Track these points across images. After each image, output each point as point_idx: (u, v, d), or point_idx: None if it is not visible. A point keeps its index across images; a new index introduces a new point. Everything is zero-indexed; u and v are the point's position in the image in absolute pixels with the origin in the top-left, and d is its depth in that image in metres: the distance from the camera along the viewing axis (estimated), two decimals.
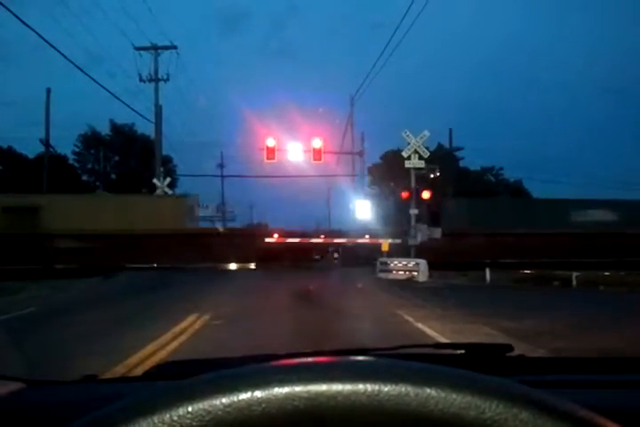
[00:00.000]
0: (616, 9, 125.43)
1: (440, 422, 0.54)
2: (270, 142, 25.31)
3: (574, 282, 17.05)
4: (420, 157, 22.48)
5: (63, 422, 1.15)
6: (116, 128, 49.63)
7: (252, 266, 27.86)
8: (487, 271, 19.20)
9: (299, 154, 27.20)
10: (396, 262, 21.47)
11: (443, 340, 7.61)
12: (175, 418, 0.54)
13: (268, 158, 25.38)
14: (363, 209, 31.03)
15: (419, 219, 23.75)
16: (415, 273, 20.40)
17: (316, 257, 32.60)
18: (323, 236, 28.80)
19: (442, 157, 36.70)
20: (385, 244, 24.59)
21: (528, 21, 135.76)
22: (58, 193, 30.91)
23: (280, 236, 27.78)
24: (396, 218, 27.02)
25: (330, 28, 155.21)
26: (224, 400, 0.55)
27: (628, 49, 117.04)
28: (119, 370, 5.69)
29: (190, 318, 9.47)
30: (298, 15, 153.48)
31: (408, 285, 18.36)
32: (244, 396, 0.55)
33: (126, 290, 16.54)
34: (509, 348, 1.64)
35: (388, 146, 47.52)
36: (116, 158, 49.51)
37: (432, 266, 20.71)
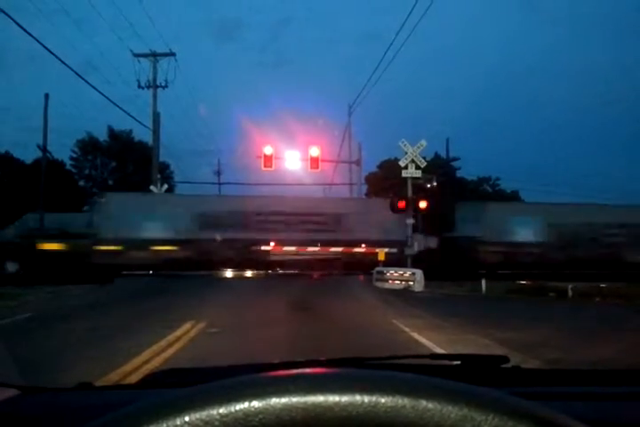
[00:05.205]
0: (611, 23, 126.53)
1: None
2: (268, 150, 25.33)
3: (570, 293, 17.04)
4: (417, 167, 22.52)
5: None
6: (113, 134, 49.68)
7: (249, 274, 27.84)
8: (483, 282, 19.19)
9: (296, 162, 27.23)
10: (392, 272, 21.46)
11: (438, 350, 7.60)
12: None
13: (265, 166, 25.37)
14: None
15: (415, 228, 23.78)
16: (411, 283, 20.38)
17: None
18: (319, 244, 28.72)
19: (439, 166, 36.78)
20: (381, 253, 24.57)
21: (526, 34, 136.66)
22: None
23: (277, 244, 27.74)
24: (393, 227, 26.90)
25: (328, 38, 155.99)
26: (221, 410, 0.55)
27: (624, 61, 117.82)
28: (114, 377, 5.66)
29: (185, 326, 9.44)
30: (296, 25, 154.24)
31: (404, 294, 18.33)
32: (242, 406, 0.55)
33: (121, 297, 16.47)
34: (505, 359, 1.64)
35: (385, 155, 47.73)
36: (114, 164, 49.49)
37: (428, 276, 20.68)
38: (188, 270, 25.21)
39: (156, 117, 32.53)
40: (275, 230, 26.25)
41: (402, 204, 22.61)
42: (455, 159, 41.86)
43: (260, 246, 26.35)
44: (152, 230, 25.34)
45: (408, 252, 22.80)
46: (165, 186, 31.54)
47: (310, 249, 27.34)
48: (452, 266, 23.74)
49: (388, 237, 25.62)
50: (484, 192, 52.65)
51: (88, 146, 48.76)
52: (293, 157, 27.09)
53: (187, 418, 0.54)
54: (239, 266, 26.84)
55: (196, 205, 26.54)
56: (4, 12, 15.97)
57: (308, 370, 0.65)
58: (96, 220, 25.52)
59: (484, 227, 27.17)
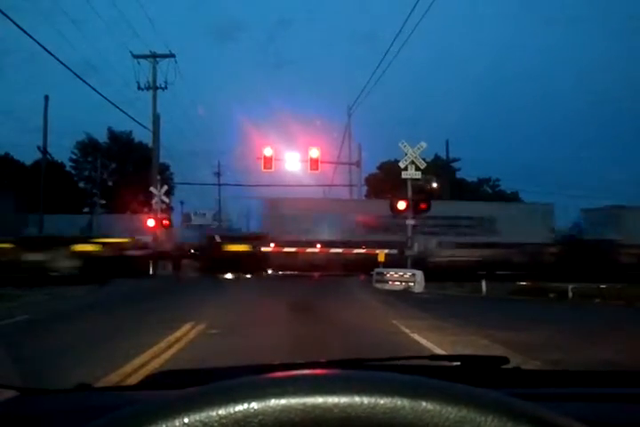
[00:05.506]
0: (609, 22, 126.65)
1: None
2: (268, 152, 25.36)
3: (570, 294, 17.03)
4: (417, 168, 22.48)
5: None
6: (113, 136, 49.74)
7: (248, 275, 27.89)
8: (483, 283, 19.18)
9: (296, 163, 27.30)
10: (392, 273, 21.45)
11: (439, 351, 7.59)
12: None
13: (265, 168, 25.40)
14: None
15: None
16: (411, 284, 20.38)
17: None
18: (320, 245, 28.76)
19: (439, 168, 36.80)
20: (381, 254, 24.59)
21: (525, 35, 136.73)
22: None
23: (277, 245, 27.82)
24: (393, 228, 27.09)
25: (328, 39, 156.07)
26: (220, 412, 0.55)
27: (622, 61, 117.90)
28: (113, 379, 5.66)
29: (185, 327, 9.43)
30: (296, 26, 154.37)
31: (404, 295, 18.32)
32: (241, 408, 0.55)
33: (121, 298, 16.46)
34: (505, 360, 1.64)
35: (385, 156, 47.76)
36: (113, 166, 49.53)
37: (428, 277, 20.68)
38: (354, 271, 26.02)
39: (156, 119, 32.55)
40: (431, 233, 27.66)
41: (402, 205, 22.58)
42: (455, 160, 41.94)
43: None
44: (319, 233, 26.84)
45: (408, 253, 22.79)
46: (165, 187, 31.52)
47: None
48: (589, 267, 24.35)
49: (530, 239, 27.45)
50: (484, 193, 52.68)
51: (88, 147, 48.83)
52: (293, 159, 27.16)
53: (186, 420, 0.54)
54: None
55: (358, 209, 28.59)
56: (4, 14, 16.00)
57: (307, 371, 0.65)
58: (267, 223, 27.37)
59: (624, 231, 28.53)
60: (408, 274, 20.92)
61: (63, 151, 49.52)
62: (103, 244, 24.17)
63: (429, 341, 8.60)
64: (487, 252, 27.61)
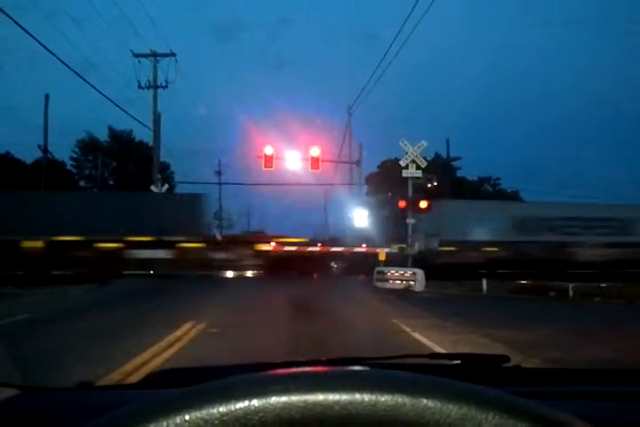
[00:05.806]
0: (607, 24, 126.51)
1: None
2: (268, 151, 25.29)
3: (571, 293, 17.02)
4: (418, 167, 22.47)
5: None
6: (114, 134, 49.68)
7: (249, 274, 27.86)
8: (484, 282, 19.17)
9: (297, 162, 27.19)
10: (392, 272, 21.43)
11: (439, 350, 7.59)
12: None
13: (265, 166, 25.33)
14: (360, 218, 31.15)
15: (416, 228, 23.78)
16: (412, 282, 20.35)
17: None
18: (320, 244, 28.74)
19: (439, 166, 36.74)
20: (382, 253, 24.57)
21: (524, 36, 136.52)
22: None
23: (277, 244, 27.80)
24: (394, 227, 27.10)
25: (329, 39, 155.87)
26: (221, 409, 0.55)
27: (620, 62, 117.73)
28: (114, 377, 5.66)
29: (186, 327, 9.44)
30: (297, 25, 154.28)
31: (405, 294, 18.31)
32: (241, 405, 0.55)
33: (121, 298, 16.47)
34: (505, 358, 1.64)
35: (386, 155, 47.70)
36: (114, 164, 49.49)
37: (428, 275, 20.66)
38: (503, 270, 26.79)
39: (157, 118, 32.48)
40: (574, 234, 28.90)
41: (402, 203, 22.58)
42: (456, 159, 41.86)
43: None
44: (478, 233, 27.55)
45: (408, 251, 22.78)
46: (166, 186, 31.49)
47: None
48: None
49: None
50: (485, 192, 52.63)
51: (88, 146, 48.77)
52: (294, 158, 27.04)
53: (187, 417, 0.54)
54: (548, 266, 27.56)
55: (514, 211, 29.83)
56: (5, 13, 15.98)
57: (308, 369, 0.65)
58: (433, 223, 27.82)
59: None
60: (409, 273, 20.90)
61: (64, 150, 49.49)
62: (283, 243, 26.37)
63: (430, 339, 8.59)
64: (614, 251, 28.53)
